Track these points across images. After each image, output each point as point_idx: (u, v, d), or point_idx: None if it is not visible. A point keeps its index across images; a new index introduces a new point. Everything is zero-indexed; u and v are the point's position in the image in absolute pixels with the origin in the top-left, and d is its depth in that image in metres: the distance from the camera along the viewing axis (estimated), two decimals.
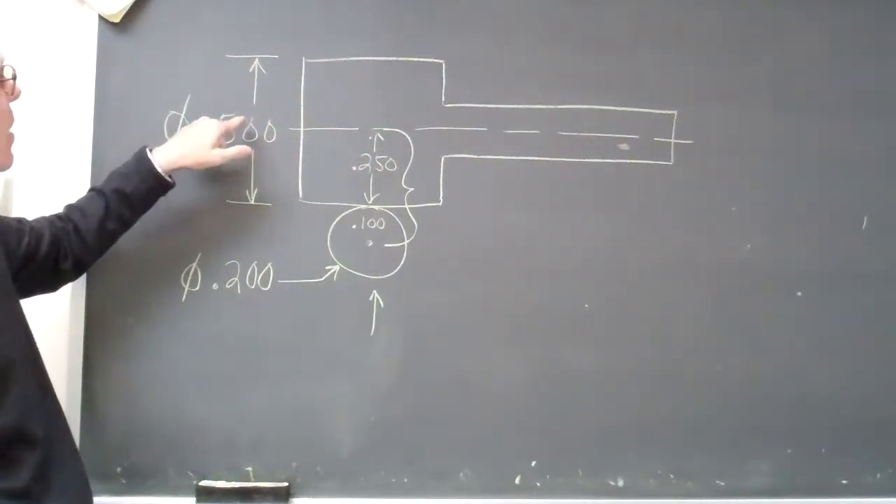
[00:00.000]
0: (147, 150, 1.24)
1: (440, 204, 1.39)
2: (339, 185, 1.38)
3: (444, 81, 1.39)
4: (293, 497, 1.37)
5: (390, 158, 1.39)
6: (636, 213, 1.42)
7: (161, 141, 1.30)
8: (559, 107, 1.41)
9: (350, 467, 1.38)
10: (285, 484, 1.36)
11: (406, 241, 1.39)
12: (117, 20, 1.35)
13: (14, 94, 1.10)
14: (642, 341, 1.42)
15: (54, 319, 1.32)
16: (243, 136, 1.37)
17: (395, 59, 1.39)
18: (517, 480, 1.41)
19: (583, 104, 1.41)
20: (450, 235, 1.39)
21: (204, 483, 1.35)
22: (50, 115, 1.33)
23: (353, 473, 1.38)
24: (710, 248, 1.43)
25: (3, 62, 1.07)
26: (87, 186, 1.34)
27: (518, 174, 1.40)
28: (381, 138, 1.39)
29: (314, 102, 1.38)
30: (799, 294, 1.44)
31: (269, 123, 1.37)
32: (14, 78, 1.09)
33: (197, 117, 1.34)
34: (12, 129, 1.10)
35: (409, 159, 1.39)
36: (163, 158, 1.24)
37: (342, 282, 1.38)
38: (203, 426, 1.35)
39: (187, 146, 1.26)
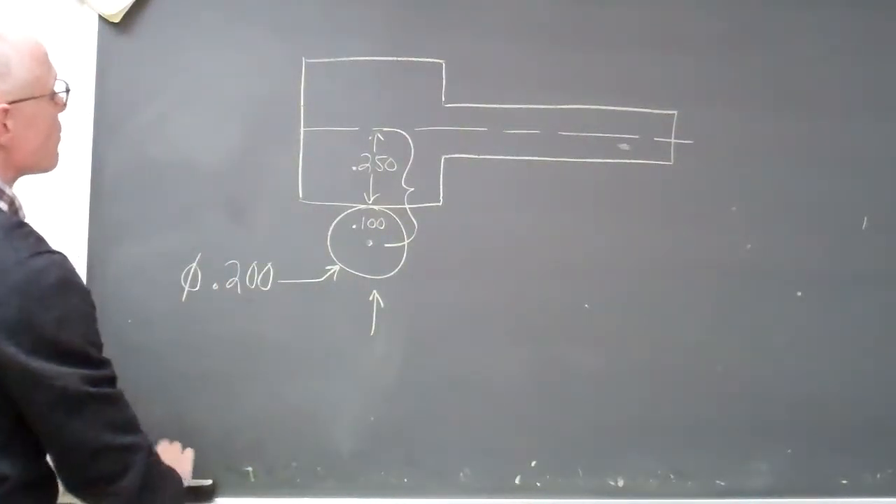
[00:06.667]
0: None
1: (440, 204, 1.39)
2: (339, 185, 1.38)
3: (444, 81, 1.39)
4: (293, 497, 1.37)
5: (390, 158, 1.39)
6: (636, 213, 1.42)
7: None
8: (559, 107, 1.41)
9: (350, 467, 1.38)
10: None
11: (406, 241, 1.39)
12: (117, 20, 1.35)
13: (62, 108, 1.12)
14: (642, 341, 1.42)
15: None
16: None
17: (395, 59, 1.39)
18: (517, 480, 1.41)
19: (583, 104, 1.41)
20: (450, 235, 1.39)
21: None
22: None
23: (352, 473, 1.38)
24: (710, 248, 1.43)
25: (56, 76, 1.09)
26: (87, 187, 1.34)
27: (518, 174, 1.40)
28: (381, 138, 1.39)
29: (314, 102, 1.38)
30: (799, 294, 1.44)
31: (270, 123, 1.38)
32: (67, 91, 1.11)
33: (197, 117, 1.35)
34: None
35: (409, 159, 1.39)
36: None
37: (342, 282, 1.38)
38: (203, 426, 1.35)
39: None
